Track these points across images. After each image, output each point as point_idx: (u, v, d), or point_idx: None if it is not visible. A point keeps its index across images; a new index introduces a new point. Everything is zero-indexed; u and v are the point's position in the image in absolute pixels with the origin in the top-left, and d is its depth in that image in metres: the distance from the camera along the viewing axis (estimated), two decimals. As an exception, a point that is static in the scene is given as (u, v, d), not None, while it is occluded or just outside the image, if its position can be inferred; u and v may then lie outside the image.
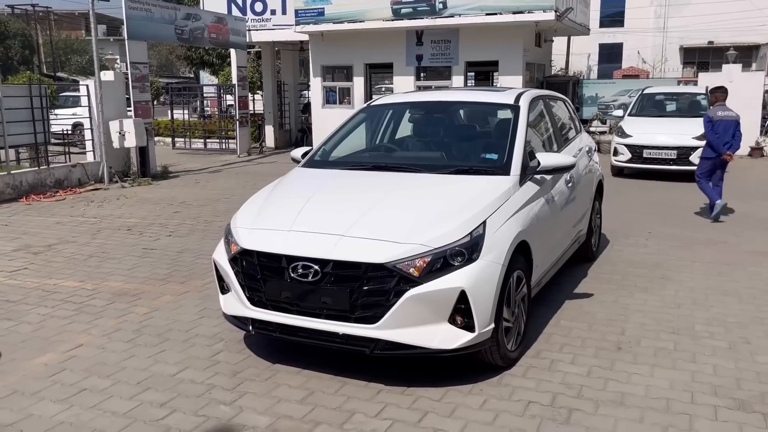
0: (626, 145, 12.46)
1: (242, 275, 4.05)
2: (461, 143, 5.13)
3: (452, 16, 15.07)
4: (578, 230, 5.99)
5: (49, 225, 8.79)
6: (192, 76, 44.73)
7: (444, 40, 15.89)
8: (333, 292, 3.74)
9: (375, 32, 16.10)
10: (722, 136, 8.75)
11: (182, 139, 19.77)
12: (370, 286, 3.67)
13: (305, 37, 17.27)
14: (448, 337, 3.71)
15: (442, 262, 3.70)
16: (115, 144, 12.63)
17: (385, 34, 16.11)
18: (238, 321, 4.18)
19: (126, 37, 13.15)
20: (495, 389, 3.85)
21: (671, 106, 13.88)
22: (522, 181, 4.48)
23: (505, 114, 5.10)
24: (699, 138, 11.97)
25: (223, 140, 19.04)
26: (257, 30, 17.96)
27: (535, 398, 3.74)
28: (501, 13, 14.64)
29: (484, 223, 3.89)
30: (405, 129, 5.57)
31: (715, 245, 7.32)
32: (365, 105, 5.80)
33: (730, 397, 3.73)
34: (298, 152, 5.41)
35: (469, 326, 3.72)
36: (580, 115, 17.60)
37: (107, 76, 13.01)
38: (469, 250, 3.75)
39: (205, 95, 25.19)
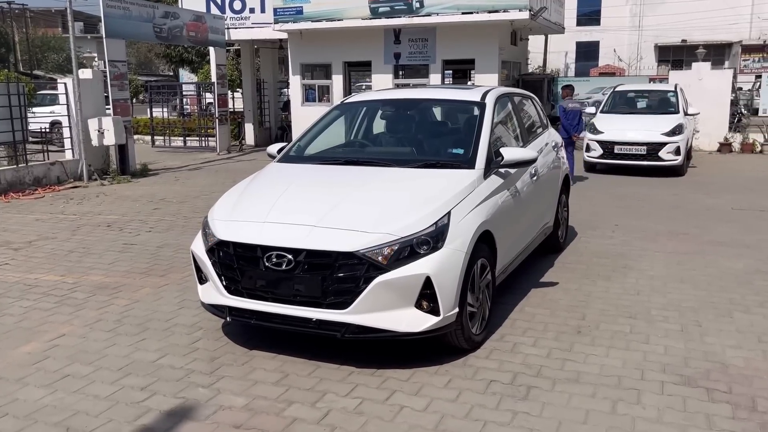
0: (598, 141, 12.79)
1: (219, 265, 4.24)
2: (430, 139, 5.36)
3: (429, 15, 15.32)
4: (544, 222, 6.25)
5: (28, 222, 8.88)
6: (171, 74, 44.54)
7: (421, 39, 16.13)
8: (306, 280, 3.95)
9: (353, 31, 16.30)
10: (572, 121, 11.43)
11: (162, 137, 19.83)
12: (341, 274, 3.88)
13: (284, 36, 17.43)
14: (415, 321, 3.93)
15: (408, 250, 3.92)
16: (94, 142, 12.69)
17: (363, 33, 16.31)
18: (216, 309, 4.37)
19: (104, 35, 13.22)
20: (460, 370, 4.08)
21: (642, 103, 14.25)
22: (486, 174, 4.71)
23: (472, 111, 5.34)
24: (668, 134, 12.39)
25: (203, 138, 19.14)
26: (236, 28, 18.05)
27: (496, 377, 3.97)
28: (477, 12, 14.91)
29: (448, 213, 4.12)
30: (377, 125, 5.79)
31: (677, 236, 7.63)
32: (339, 102, 6.01)
33: (677, 374, 4.00)
34: (274, 148, 5.61)
35: (434, 310, 3.94)
36: (555, 112, 17.95)
37: (85, 74, 13.08)
38: (434, 238, 3.97)
39: (184, 93, 25.20)
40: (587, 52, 37.08)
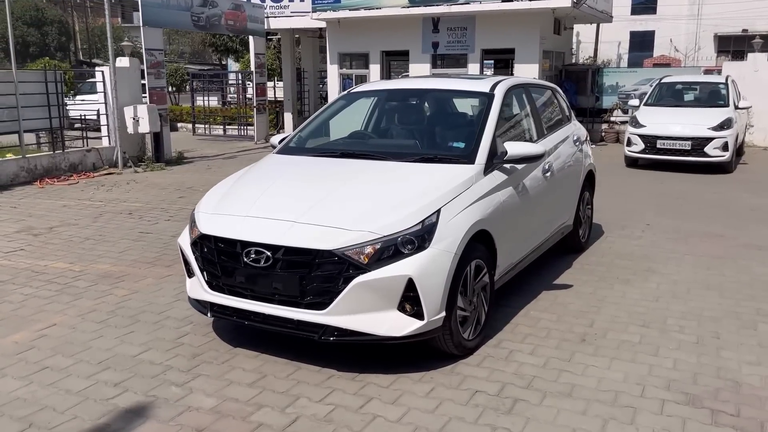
0: (639, 135, 12.23)
1: (202, 260, 4.12)
2: (432, 131, 5.10)
3: (468, 3, 14.93)
4: (561, 221, 5.92)
5: (55, 208, 9.00)
6: (222, 63, 45.13)
7: (460, 28, 15.75)
8: (284, 278, 3.78)
9: (391, 19, 16.04)
10: None
11: (203, 126, 20.03)
12: (319, 273, 3.70)
13: (323, 24, 17.30)
14: (397, 325, 3.72)
15: (392, 249, 3.70)
16: (130, 129, 12.86)
17: (401, 21, 16.03)
18: (200, 305, 4.25)
19: (141, 24, 13.33)
20: (446, 378, 3.85)
21: (689, 96, 13.54)
22: (488, 170, 4.44)
23: (478, 102, 5.06)
24: (715, 128, 11.74)
25: (243, 127, 19.22)
26: (276, 17, 18.02)
27: (483, 387, 3.72)
28: (518, 0, 14.45)
29: (438, 211, 3.88)
30: (381, 116, 5.56)
31: (711, 238, 7.16)
32: (345, 92, 5.81)
33: (681, 392, 3.67)
34: (276, 138, 5.46)
35: (418, 314, 3.72)
36: (599, 104, 17.33)
37: (123, 62, 13.25)
38: (419, 238, 3.74)
39: (230, 82, 25.39)
40: (642, 42, 35.73)
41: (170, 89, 27.60)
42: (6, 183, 10.80)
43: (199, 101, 21.23)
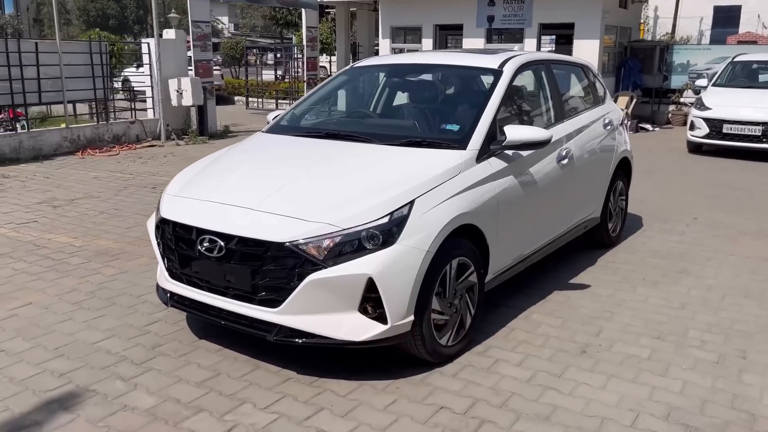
0: (704, 119, 11.23)
1: (162, 245, 3.85)
2: (429, 111, 4.61)
3: (526, -26, 14.10)
4: (585, 213, 5.36)
5: (86, 179, 9.02)
6: (287, 37, 45.24)
7: (517, 1, 14.93)
8: (236, 271, 3.45)
9: (446, -9, 15.39)
10: None
11: (257, 100, 19.99)
12: (272, 267, 3.34)
13: (377, -3, 16.82)
14: (357, 328, 3.33)
15: (356, 244, 3.30)
16: (174, 102, 12.83)
17: (456, -6, 15.37)
18: (162, 293, 3.99)
19: (188, -5, 13.23)
20: (413, 389, 3.45)
21: (765, 77, 12.35)
22: (482, 156, 3.95)
23: (484, 80, 4.54)
24: (790, 113, 10.64)
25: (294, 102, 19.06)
26: (329, -11, 17.65)
27: (450, 403, 3.30)
28: (579, -29, 13.54)
29: (411, 202, 3.44)
30: (381, 93, 5.10)
31: (765, 237, 6.39)
32: (348, 67, 5.38)
33: (681, 423, 3.14)
34: (272, 115, 5.12)
35: (381, 317, 3.33)
36: (667, 84, 16.16)
37: (169, 34, 13.21)
38: (385, 232, 3.32)
39: (295, 57, 25.19)
40: (727, 18, 33.30)
41: (237, 63, 27.70)
42: (49, 153, 10.96)
43: (265, 75, 21.21)
